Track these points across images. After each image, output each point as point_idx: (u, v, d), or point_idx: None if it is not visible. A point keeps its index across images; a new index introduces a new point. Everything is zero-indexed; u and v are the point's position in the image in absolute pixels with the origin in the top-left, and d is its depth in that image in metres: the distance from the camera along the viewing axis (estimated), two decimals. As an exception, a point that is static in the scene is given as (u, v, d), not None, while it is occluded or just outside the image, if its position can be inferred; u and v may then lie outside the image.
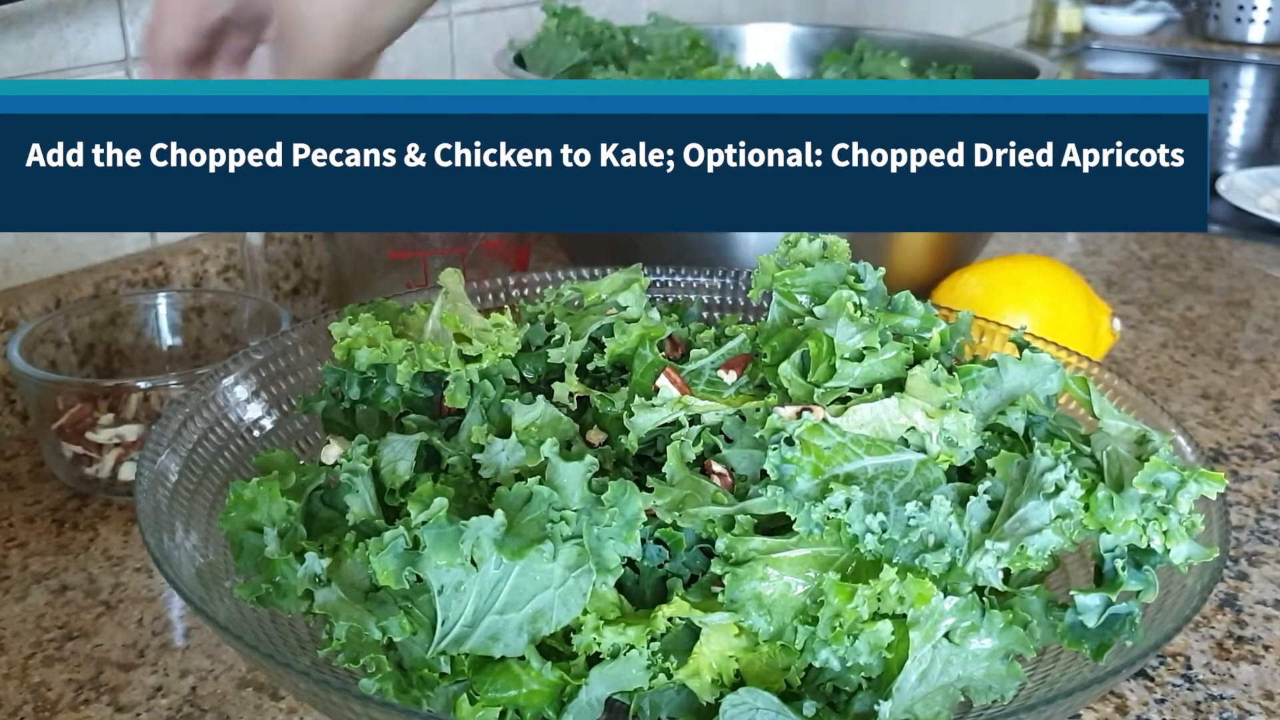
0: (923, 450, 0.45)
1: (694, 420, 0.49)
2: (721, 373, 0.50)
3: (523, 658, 0.42)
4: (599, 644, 0.41)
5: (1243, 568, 0.63)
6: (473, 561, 0.41)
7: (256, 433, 0.56)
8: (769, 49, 1.11)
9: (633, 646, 0.41)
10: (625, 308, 0.56)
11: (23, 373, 0.65)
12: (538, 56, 0.93)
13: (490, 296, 0.65)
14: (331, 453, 0.50)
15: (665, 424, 0.49)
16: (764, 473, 0.47)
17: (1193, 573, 0.45)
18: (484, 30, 1.09)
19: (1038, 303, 0.76)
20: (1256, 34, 2.23)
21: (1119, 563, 0.44)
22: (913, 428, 0.45)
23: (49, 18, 0.75)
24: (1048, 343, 0.60)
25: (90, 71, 0.78)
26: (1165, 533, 0.43)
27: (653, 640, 0.42)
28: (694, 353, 0.52)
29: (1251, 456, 0.74)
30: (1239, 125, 1.89)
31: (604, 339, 0.54)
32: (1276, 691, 0.54)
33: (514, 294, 0.66)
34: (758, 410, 0.47)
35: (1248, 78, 2.19)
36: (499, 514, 0.42)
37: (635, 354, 0.52)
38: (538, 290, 0.66)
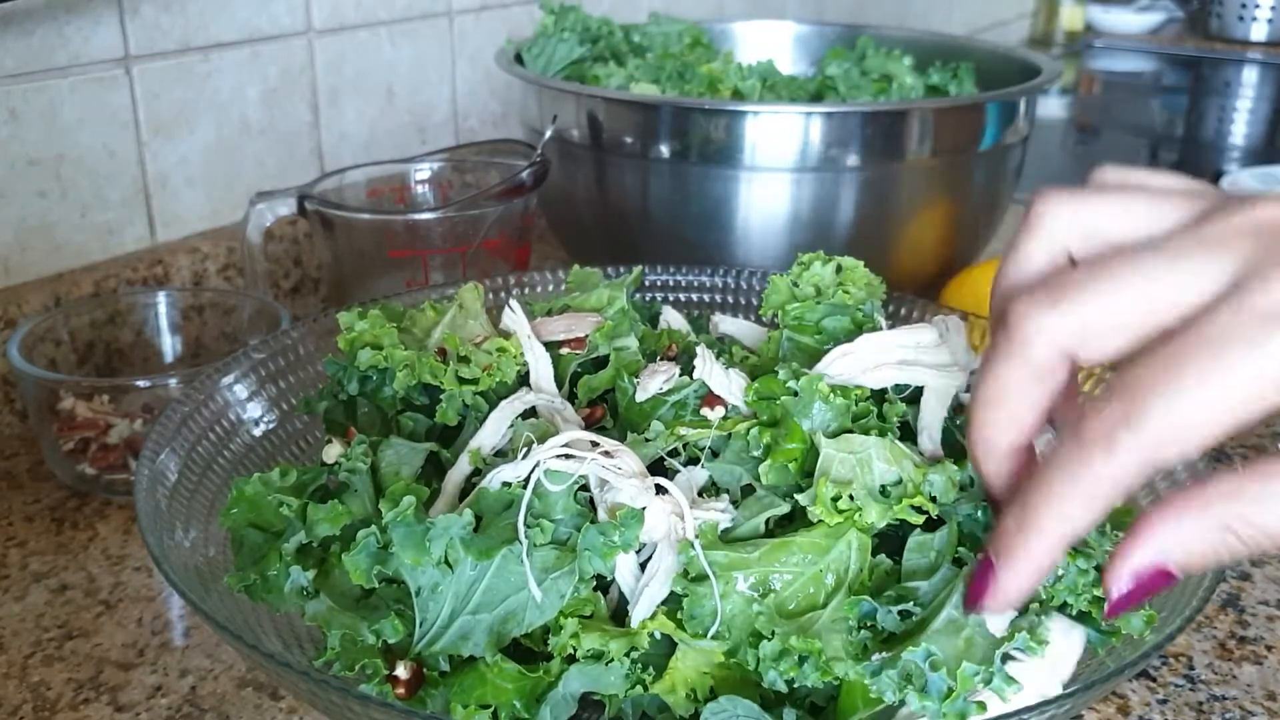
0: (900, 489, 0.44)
1: (686, 446, 0.49)
2: (706, 410, 0.50)
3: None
4: (575, 647, 0.41)
5: (1245, 568, 0.63)
6: (448, 563, 0.42)
7: (256, 431, 0.56)
8: (770, 46, 1.11)
9: (613, 659, 0.41)
10: (601, 325, 0.56)
11: (22, 371, 0.65)
12: (536, 54, 0.93)
13: (490, 295, 0.65)
14: (332, 452, 0.50)
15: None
16: (747, 488, 0.47)
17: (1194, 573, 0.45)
18: (484, 28, 1.09)
19: None
20: (1259, 33, 2.23)
21: None
22: (900, 480, 0.45)
23: (49, 15, 0.75)
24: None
25: (90, 70, 0.78)
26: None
27: (633, 650, 0.42)
28: (678, 380, 0.52)
29: (1254, 456, 0.74)
30: (1241, 124, 1.89)
31: (580, 376, 0.54)
32: (1279, 692, 0.54)
33: (514, 292, 0.66)
34: (746, 432, 0.48)
35: (1250, 76, 2.19)
36: (467, 513, 0.42)
37: (616, 387, 0.52)
38: (538, 289, 0.66)
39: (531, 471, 0.44)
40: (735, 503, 0.47)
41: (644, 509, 0.43)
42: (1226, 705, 0.53)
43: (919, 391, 0.50)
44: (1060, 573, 0.43)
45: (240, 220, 0.77)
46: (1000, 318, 0.35)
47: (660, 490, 0.45)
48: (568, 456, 0.44)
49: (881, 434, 0.46)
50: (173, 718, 0.51)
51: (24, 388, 0.67)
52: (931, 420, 0.49)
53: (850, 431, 0.47)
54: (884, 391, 0.50)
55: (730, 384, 0.50)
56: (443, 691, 0.42)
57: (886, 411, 0.48)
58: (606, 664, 0.41)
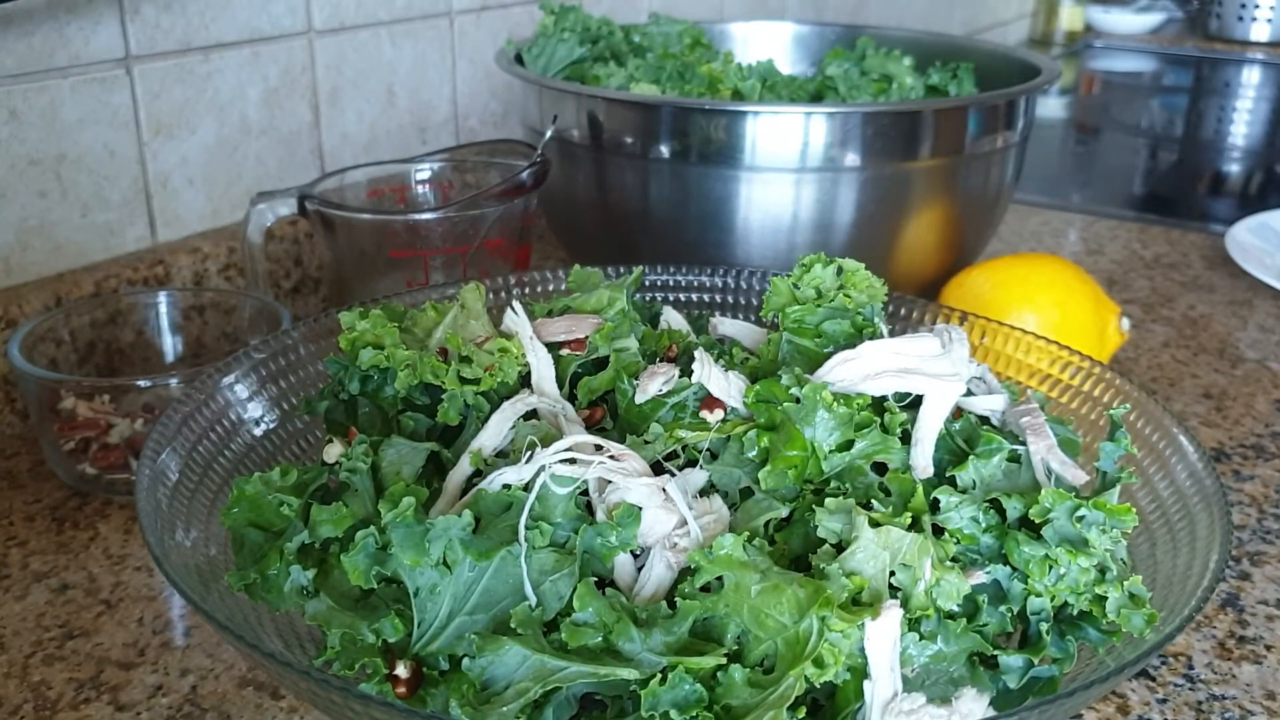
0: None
1: (685, 448, 0.49)
2: (705, 413, 0.50)
3: None
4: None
5: (1245, 567, 0.63)
6: (446, 564, 0.42)
7: (257, 431, 0.56)
8: (770, 46, 1.11)
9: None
10: (601, 326, 0.56)
11: (23, 371, 0.65)
12: (536, 54, 0.93)
13: (491, 295, 0.65)
14: (333, 451, 0.50)
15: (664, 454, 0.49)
16: (746, 490, 0.47)
17: (1194, 573, 0.45)
18: (484, 28, 1.09)
19: (1045, 301, 0.75)
20: (1259, 33, 2.23)
21: (1044, 626, 0.44)
22: (916, 575, 0.43)
23: (49, 16, 0.75)
24: (1051, 342, 0.60)
25: (91, 70, 0.78)
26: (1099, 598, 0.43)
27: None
28: (679, 382, 0.51)
29: (1254, 456, 0.74)
30: (1241, 124, 1.89)
31: (580, 377, 0.54)
32: (1278, 691, 0.54)
33: (515, 292, 0.66)
34: (745, 434, 0.48)
35: (1250, 76, 2.19)
36: (466, 514, 0.42)
37: (616, 388, 0.52)
38: (538, 289, 0.66)
39: (536, 475, 0.44)
40: (734, 505, 0.47)
41: (640, 508, 0.43)
42: (1226, 705, 0.53)
43: (919, 399, 0.50)
44: (1063, 571, 0.43)
45: (241, 220, 0.77)
46: None
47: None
48: (571, 461, 0.45)
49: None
50: (173, 717, 0.51)
51: (25, 387, 0.67)
52: (926, 432, 0.49)
53: (852, 440, 0.47)
54: (884, 399, 0.50)
55: (729, 386, 0.50)
56: (443, 691, 0.42)
57: (889, 421, 0.48)
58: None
